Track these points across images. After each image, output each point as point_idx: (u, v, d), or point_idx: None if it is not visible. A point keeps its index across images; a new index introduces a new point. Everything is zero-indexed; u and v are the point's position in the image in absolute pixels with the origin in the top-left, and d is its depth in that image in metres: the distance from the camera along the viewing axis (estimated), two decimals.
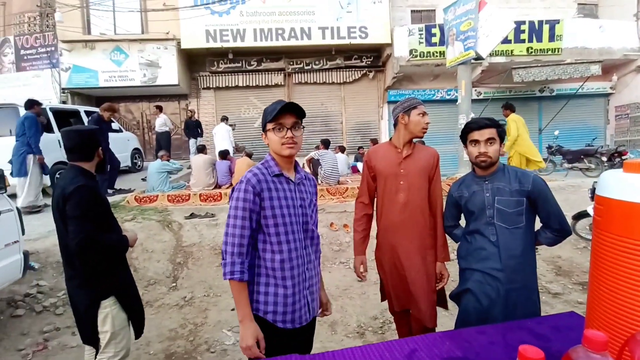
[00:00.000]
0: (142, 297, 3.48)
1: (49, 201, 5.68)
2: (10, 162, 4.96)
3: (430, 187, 1.84)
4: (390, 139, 1.92)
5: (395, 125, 1.88)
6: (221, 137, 8.23)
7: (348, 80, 10.31)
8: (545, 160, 7.03)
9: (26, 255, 2.81)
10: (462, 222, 1.86)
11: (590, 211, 3.91)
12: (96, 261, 1.63)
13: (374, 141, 8.95)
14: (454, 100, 8.24)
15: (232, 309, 3.17)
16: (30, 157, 4.98)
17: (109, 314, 1.68)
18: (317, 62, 10.14)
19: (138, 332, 1.87)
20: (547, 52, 9.21)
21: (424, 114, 1.80)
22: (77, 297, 1.71)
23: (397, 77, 9.69)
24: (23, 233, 2.78)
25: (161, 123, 8.71)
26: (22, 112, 5.20)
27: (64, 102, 9.06)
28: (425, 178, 1.82)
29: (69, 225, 1.56)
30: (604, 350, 0.61)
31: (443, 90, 10.22)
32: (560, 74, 8.64)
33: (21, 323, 2.96)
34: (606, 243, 0.86)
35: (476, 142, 1.59)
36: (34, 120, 4.95)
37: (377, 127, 10.67)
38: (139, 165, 8.85)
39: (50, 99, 8.89)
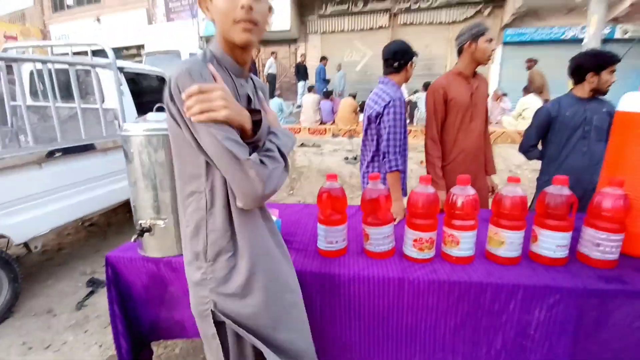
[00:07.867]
0: None
1: None
2: None
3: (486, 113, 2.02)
4: (455, 69, 1.91)
5: (459, 53, 1.88)
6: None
7: (458, 20, 9.65)
8: None
9: None
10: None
11: None
12: None
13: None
14: None
15: None
16: None
17: None
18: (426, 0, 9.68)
19: None
20: None
21: (490, 40, 1.80)
22: None
23: (519, 13, 8.65)
24: None
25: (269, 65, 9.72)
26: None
27: (201, 49, 10.86)
28: (485, 105, 1.98)
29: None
30: None
31: (577, 28, 8.76)
32: None
33: None
34: None
35: (613, 71, 1.83)
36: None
37: (485, 72, 9.96)
38: None
39: (193, 47, 10.76)
